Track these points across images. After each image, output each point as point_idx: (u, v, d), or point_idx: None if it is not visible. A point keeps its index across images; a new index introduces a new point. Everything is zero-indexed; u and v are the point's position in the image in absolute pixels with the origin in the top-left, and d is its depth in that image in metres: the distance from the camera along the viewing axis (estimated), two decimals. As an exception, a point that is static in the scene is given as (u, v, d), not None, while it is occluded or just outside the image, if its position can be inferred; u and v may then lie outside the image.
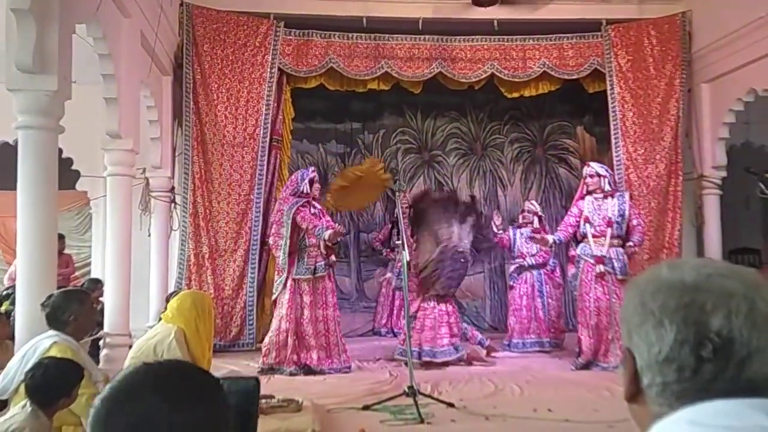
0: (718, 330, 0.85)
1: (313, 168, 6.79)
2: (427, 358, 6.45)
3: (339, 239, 6.54)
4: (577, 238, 6.71)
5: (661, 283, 0.91)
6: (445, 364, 6.48)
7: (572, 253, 6.84)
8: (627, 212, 6.55)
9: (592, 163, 6.92)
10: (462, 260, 6.72)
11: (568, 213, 6.83)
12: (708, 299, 0.87)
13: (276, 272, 6.53)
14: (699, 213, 8.24)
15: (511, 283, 7.98)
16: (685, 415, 0.85)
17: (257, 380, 1.24)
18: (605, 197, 6.57)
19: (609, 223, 6.48)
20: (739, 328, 0.85)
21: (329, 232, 6.15)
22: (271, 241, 6.52)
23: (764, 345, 0.87)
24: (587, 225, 6.53)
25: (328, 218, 6.55)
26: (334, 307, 6.42)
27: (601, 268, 6.37)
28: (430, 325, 6.58)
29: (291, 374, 6.07)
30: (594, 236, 6.49)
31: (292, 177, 6.63)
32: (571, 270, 6.79)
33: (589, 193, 6.66)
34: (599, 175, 6.64)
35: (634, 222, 6.59)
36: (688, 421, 0.84)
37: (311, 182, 6.44)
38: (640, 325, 0.91)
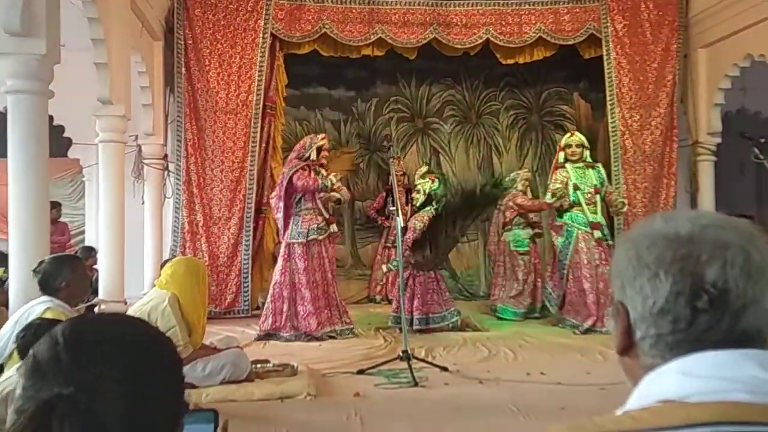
0: (714, 281, 0.85)
1: (323, 135, 6.65)
2: (419, 326, 6.49)
3: (340, 198, 6.45)
4: (556, 207, 6.86)
5: (656, 236, 0.90)
6: (440, 329, 6.54)
7: (556, 222, 6.91)
8: (605, 180, 6.96)
9: (577, 133, 7.16)
10: None
11: (553, 180, 6.95)
12: (704, 251, 0.86)
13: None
14: (693, 179, 8.26)
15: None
16: (677, 366, 0.85)
17: (215, 413, 1.17)
18: (587, 167, 6.87)
19: (597, 191, 6.78)
20: (734, 279, 0.85)
21: (333, 181, 6.20)
22: (272, 203, 6.52)
23: (759, 296, 0.86)
24: (578, 192, 6.67)
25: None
26: (333, 273, 6.40)
27: (598, 233, 6.57)
28: (421, 292, 6.62)
29: (287, 340, 6.10)
30: (586, 203, 6.69)
31: (301, 141, 6.56)
32: (557, 239, 6.84)
33: (567, 161, 6.88)
34: (584, 146, 6.93)
35: (611, 188, 7.06)
36: (679, 372, 0.84)
37: (319, 150, 6.34)
38: (635, 278, 0.90)
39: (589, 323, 6.46)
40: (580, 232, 6.62)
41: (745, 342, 0.85)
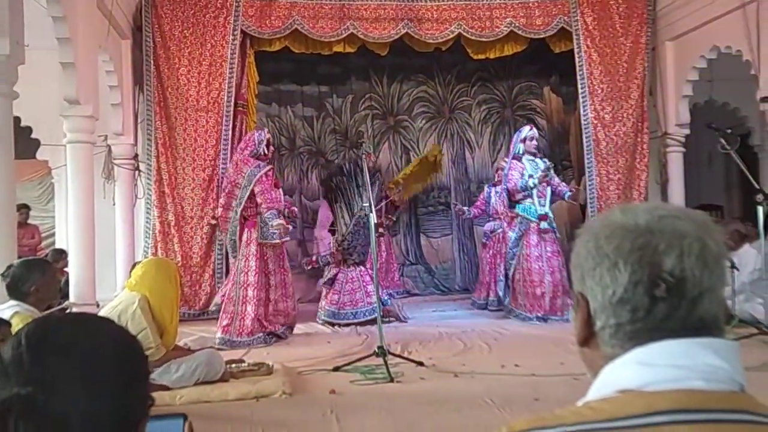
0: (671, 270, 0.86)
1: (267, 129, 6.94)
2: (347, 320, 6.78)
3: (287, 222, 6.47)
4: (510, 199, 7.03)
5: (615, 227, 0.91)
6: (368, 322, 6.69)
7: (510, 213, 7.04)
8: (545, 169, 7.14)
9: (533, 127, 7.43)
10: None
11: (516, 170, 7.04)
12: (661, 240, 0.87)
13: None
14: (663, 170, 8.35)
15: (484, 240, 8.10)
16: (635, 356, 0.86)
17: (185, 417, 1.15)
18: (534, 157, 7.14)
19: (547, 183, 7.00)
20: (691, 268, 0.86)
21: (277, 222, 6.16)
22: (222, 201, 6.47)
23: (715, 284, 0.87)
24: (534, 184, 6.85)
25: (281, 195, 6.51)
26: (290, 271, 6.57)
27: (545, 224, 6.83)
28: (350, 289, 6.91)
29: (266, 343, 6.00)
30: (537, 196, 6.94)
31: (249, 138, 6.57)
32: (510, 231, 6.97)
33: (525, 153, 7.09)
34: (536, 139, 7.26)
35: (556, 181, 7.20)
36: (637, 362, 0.85)
37: (267, 144, 6.44)
38: (594, 269, 0.91)
39: (541, 314, 6.68)
40: (531, 224, 6.76)
41: (702, 329, 0.86)
